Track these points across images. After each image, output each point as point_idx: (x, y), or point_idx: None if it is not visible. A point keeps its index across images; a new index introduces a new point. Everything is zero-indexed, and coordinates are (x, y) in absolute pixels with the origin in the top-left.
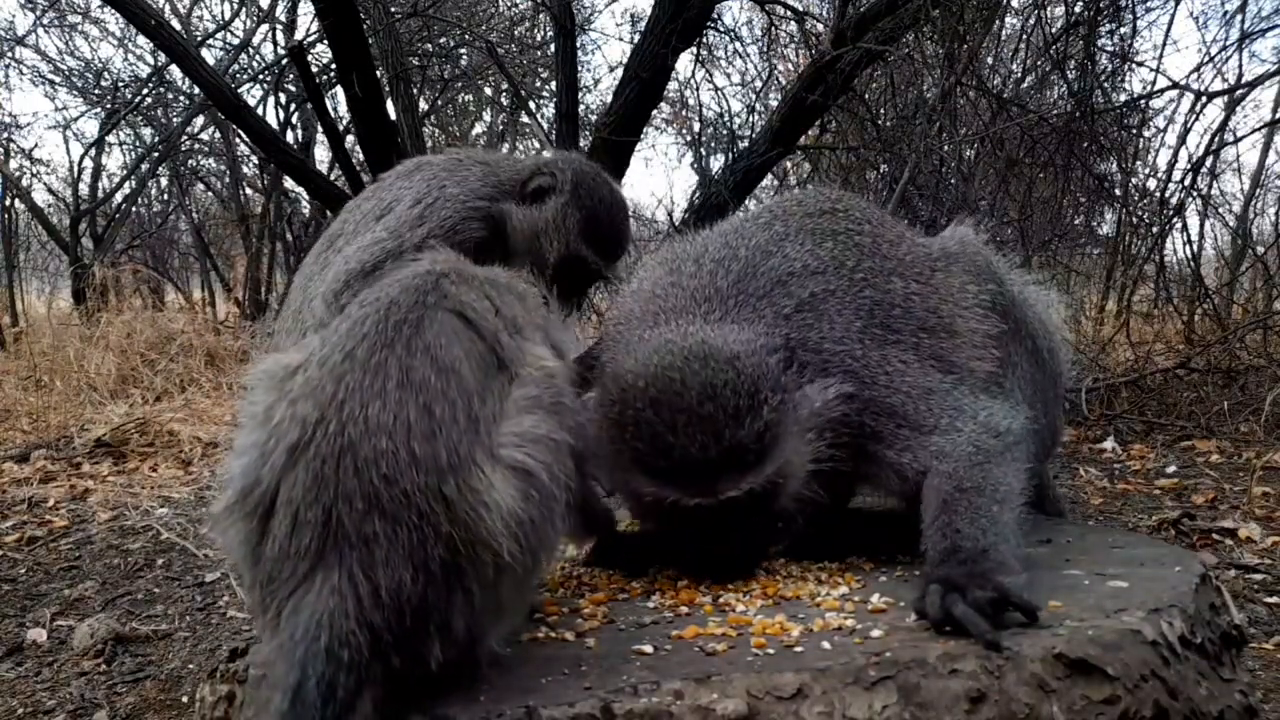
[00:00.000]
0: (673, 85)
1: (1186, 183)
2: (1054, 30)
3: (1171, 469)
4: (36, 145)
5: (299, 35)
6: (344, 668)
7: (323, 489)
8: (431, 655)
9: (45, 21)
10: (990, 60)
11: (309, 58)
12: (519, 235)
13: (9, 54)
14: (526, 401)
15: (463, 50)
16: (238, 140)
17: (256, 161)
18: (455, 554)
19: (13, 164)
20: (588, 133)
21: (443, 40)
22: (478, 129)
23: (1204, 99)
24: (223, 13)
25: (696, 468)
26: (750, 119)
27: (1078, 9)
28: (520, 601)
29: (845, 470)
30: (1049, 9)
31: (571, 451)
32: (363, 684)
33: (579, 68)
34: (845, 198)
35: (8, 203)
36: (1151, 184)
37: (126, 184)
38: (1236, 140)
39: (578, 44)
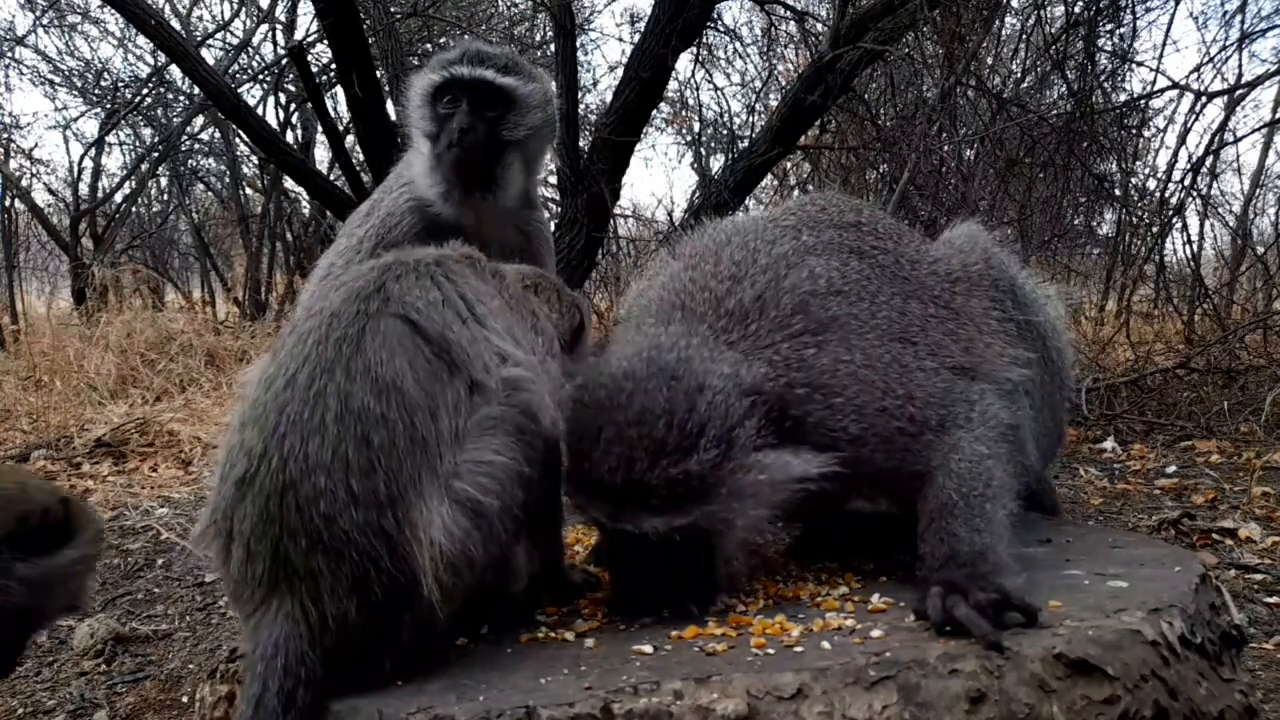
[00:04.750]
0: (673, 85)
1: (1186, 183)
2: (1054, 30)
3: (1171, 469)
4: (36, 145)
5: (299, 35)
6: (301, 682)
7: (269, 524)
8: (383, 666)
9: (45, 21)
10: (990, 60)
11: (309, 58)
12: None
13: (9, 54)
14: (488, 422)
15: None
16: (238, 140)
17: (256, 161)
18: (397, 584)
19: (13, 164)
20: (588, 133)
21: (443, 40)
22: None
23: (1204, 99)
24: (223, 13)
25: (601, 488)
26: (750, 119)
27: (1078, 9)
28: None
29: (849, 484)
30: (1049, 9)
31: (520, 479)
32: (320, 696)
33: (579, 68)
34: (867, 209)
35: (8, 203)
36: (1151, 184)
37: (126, 184)
38: (1236, 140)
39: (577, 44)
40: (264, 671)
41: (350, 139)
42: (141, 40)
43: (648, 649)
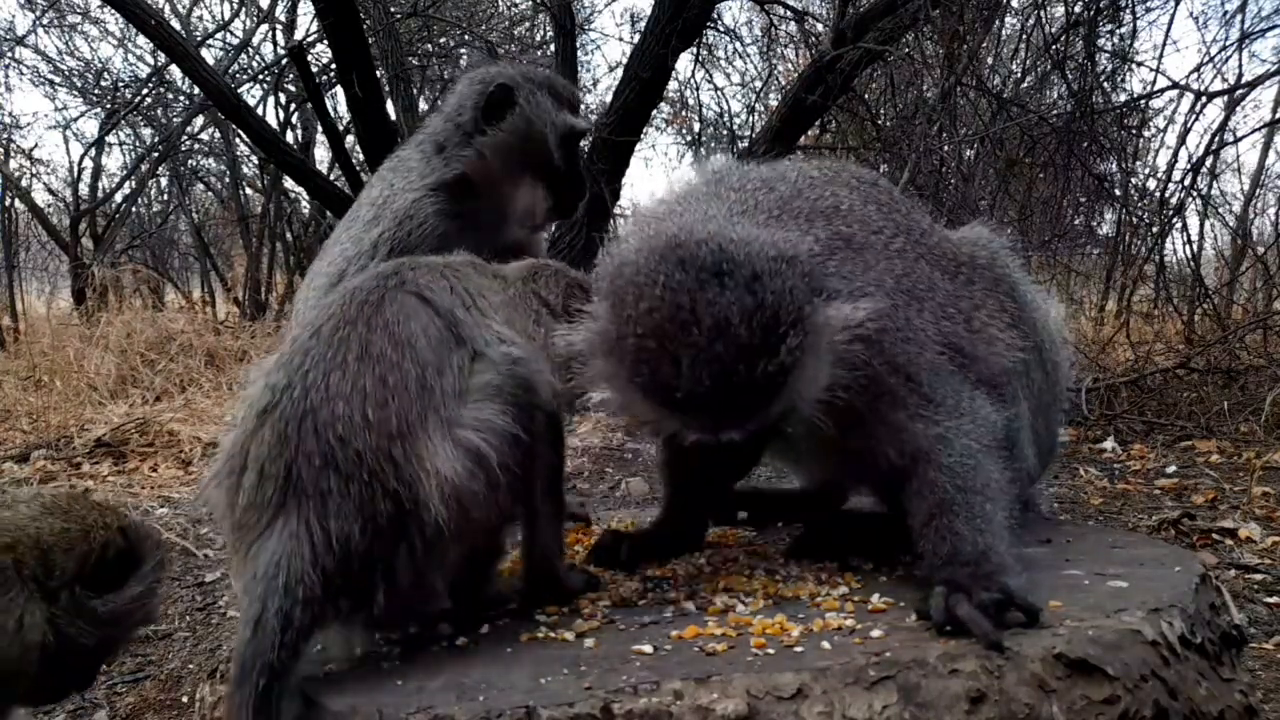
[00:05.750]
0: (673, 85)
1: (1186, 183)
2: (1054, 30)
3: (1171, 469)
4: (36, 145)
5: (299, 35)
6: (299, 603)
7: (285, 446)
8: (375, 600)
9: (45, 21)
10: (990, 60)
11: (309, 58)
12: (510, 153)
13: (9, 54)
14: (489, 389)
15: (463, 50)
16: (238, 140)
17: (256, 161)
18: (400, 510)
19: (13, 164)
20: (588, 133)
21: (443, 40)
22: None
23: (1204, 99)
24: (223, 13)
25: (701, 408)
26: (750, 119)
27: (1078, 9)
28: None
29: (840, 446)
30: (1049, 9)
31: (519, 443)
32: (316, 619)
33: (579, 68)
34: (881, 178)
35: (8, 203)
36: (1151, 184)
37: (126, 184)
38: (1236, 140)
39: (578, 44)
40: (264, 592)
41: (350, 139)
42: (141, 40)
43: (648, 649)
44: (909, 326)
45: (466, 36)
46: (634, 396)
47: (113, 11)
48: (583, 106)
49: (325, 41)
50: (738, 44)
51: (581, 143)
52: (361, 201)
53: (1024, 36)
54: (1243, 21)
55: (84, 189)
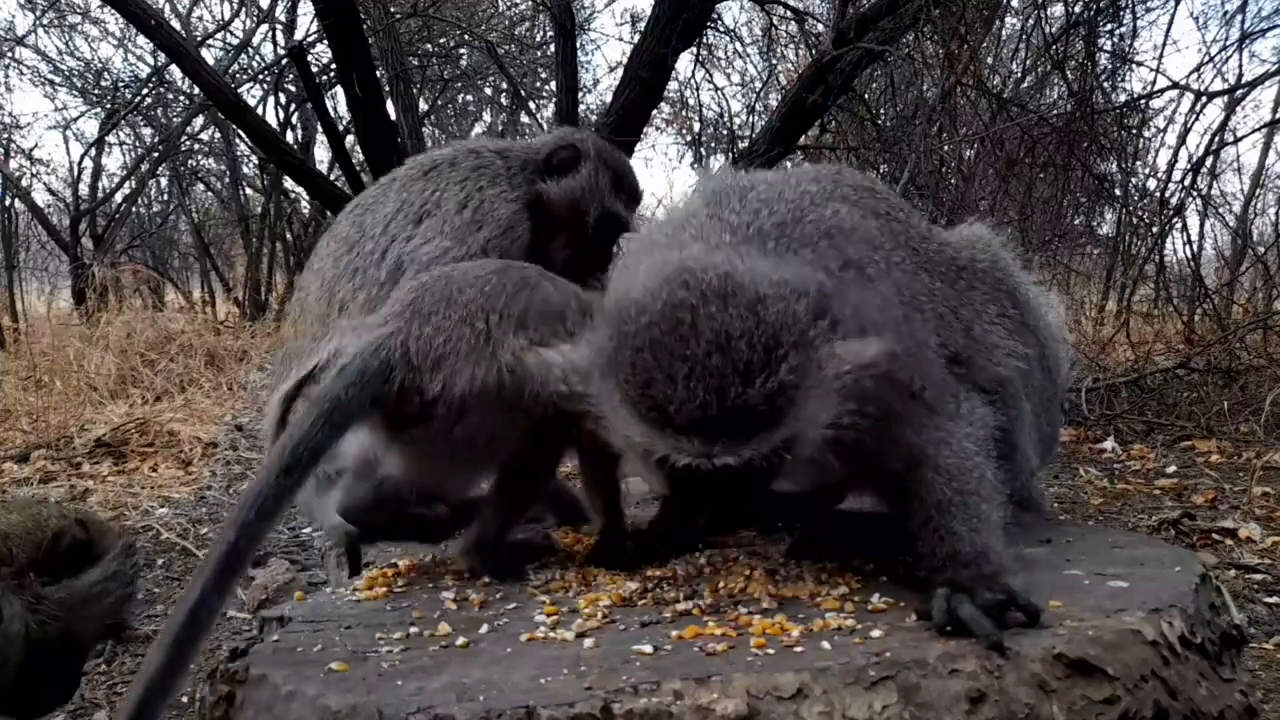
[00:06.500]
0: (673, 85)
1: (1186, 183)
2: (1054, 30)
3: (1171, 469)
4: (36, 145)
5: (299, 35)
6: (379, 359)
7: (416, 290)
8: (430, 391)
9: (45, 21)
10: (990, 60)
11: (309, 58)
12: (557, 208)
13: (9, 54)
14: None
15: (463, 50)
16: (238, 140)
17: (256, 161)
18: (480, 342)
19: (13, 164)
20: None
21: (443, 40)
22: (478, 129)
23: (1204, 99)
24: (223, 13)
25: (694, 426)
26: (750, 119)
27: (1078, 9)
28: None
29: (848, 455)
30: (1049, 9)
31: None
32: (389, 376)
33: (579, 68)
34: (878, 181)
35: (8, 203)
36: (1151, 184)
37: (126, 184)
38: (1236, 140)
39: (578, 44)
40: (355, 350)
41: (350, 139)
42: (141, 40)
43: (648, 649)
44: (913, 341)
45: (466, 36)
46: (627, 417)
47: (113, 11)
48: (638, 210)
49: (325, 41)
50: (738, 44)
51: (621, 234)
52: (435, 198)
53: (1024, 36)
54: (1243, 21)
55: (84, 189)
